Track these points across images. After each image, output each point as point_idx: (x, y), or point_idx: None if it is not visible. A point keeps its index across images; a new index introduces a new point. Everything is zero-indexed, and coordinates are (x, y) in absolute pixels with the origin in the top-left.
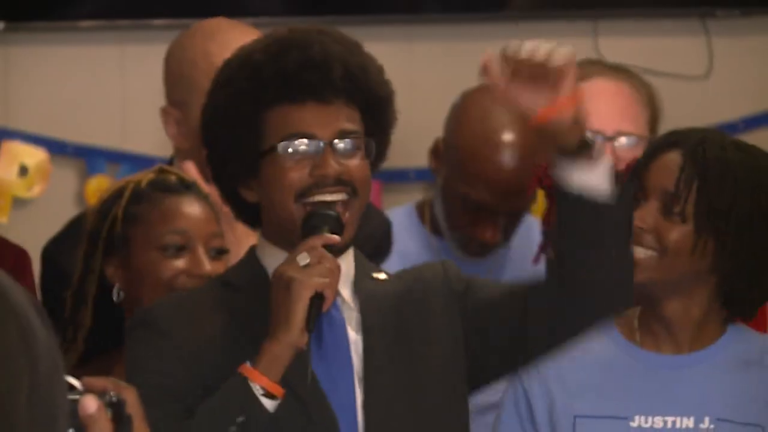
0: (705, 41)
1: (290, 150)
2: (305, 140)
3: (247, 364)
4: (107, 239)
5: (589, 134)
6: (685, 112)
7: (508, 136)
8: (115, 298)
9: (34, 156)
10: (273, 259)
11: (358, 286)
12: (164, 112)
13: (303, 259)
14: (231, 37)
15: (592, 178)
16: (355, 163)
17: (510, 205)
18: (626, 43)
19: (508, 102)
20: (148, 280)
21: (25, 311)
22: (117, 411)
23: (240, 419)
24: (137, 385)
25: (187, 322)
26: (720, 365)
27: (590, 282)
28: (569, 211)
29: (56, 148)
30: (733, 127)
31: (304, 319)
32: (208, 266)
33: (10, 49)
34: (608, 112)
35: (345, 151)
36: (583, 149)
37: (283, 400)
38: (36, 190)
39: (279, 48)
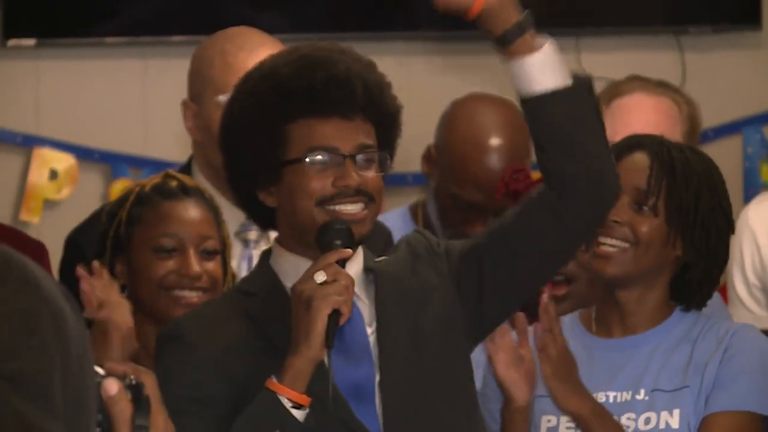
0: (679, 56)
1: (315, 161)
2: (329, 153)
3: (273, 379)
4: (114, 239)
5: (522, 16)
6: None
7: (494, 141)
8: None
9: (63, 161)
10: (286, 263)
11: (369, 277)
12: (184, 105)
13: (320, 276)
14: (248, 41)
15: (547, 72)
16: (372, 174)
17: (497, 203)
18: (606, 58)
19: (451, 2)
20: (143, 279)
21: (56, 300)
22: (136, 393)
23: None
24: (169, 396)
25: (211, 332)
26: (661, 345)
27: (579, 175)
28: (538, 112)
29: (83, 154)
30: (704, 135)
31: (324, 334)
32: (196, 267)
33: (40, 64)
34: (645, 123)
35: (364, 164)
36: (519, 30)
37: (311, 408)
38: (65, 192)
39: (305, 64)
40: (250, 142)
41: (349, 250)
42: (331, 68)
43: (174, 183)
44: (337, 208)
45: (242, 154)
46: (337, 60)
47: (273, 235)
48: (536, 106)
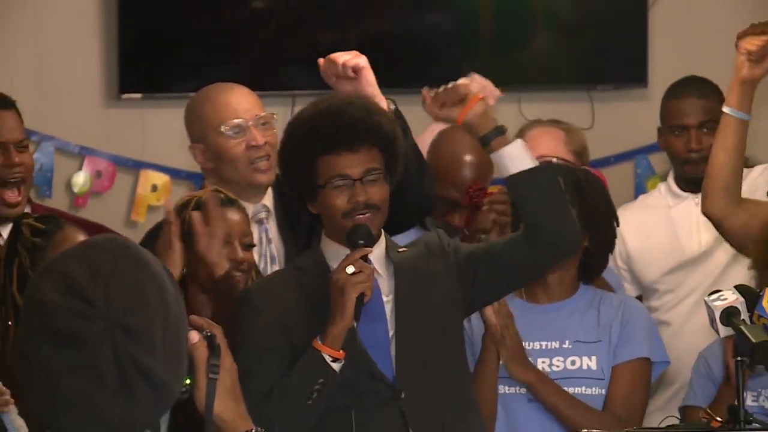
0: (590, 105)
1: (334, 185)
2: (343, 179)
3: (318, 340)
4: (181, 233)
5: (497, 122)
6: None
7: (467, 157)
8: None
9: (160, 179)
10: (330, 249)
11: (389, 258)
12: (192, 148)
13: (350, 269)
14: (222, 87)
15: (520, 159)
16: (377, 189)
17: (466, 204)
18: (540, 107)
19: (438, 116)
20: (198, 264)
21: (161, 274)
22: (210, 341)
23: (321, 380)
24: (244, 345)
25: (272, 298)
26: (575, 309)
27: (552, 236)
28: (515, 187)
29: (174, 174)
30: (607, 160)
31: (353, 311)
32: (240, 254)
33: (145, 110)
34: (543, 146)
35: (370, 183)
36: (498, 132)
37: (345, 361)
38: (162, 200)
39: (322, 115)
40: (296, 172)
41: (370, 248)
42: (340, 117)
43: (222, 195)
44: (355, 219)
45: (293, 179)
46: (344, 110)
47: (272, 214)
48: (513, 182)
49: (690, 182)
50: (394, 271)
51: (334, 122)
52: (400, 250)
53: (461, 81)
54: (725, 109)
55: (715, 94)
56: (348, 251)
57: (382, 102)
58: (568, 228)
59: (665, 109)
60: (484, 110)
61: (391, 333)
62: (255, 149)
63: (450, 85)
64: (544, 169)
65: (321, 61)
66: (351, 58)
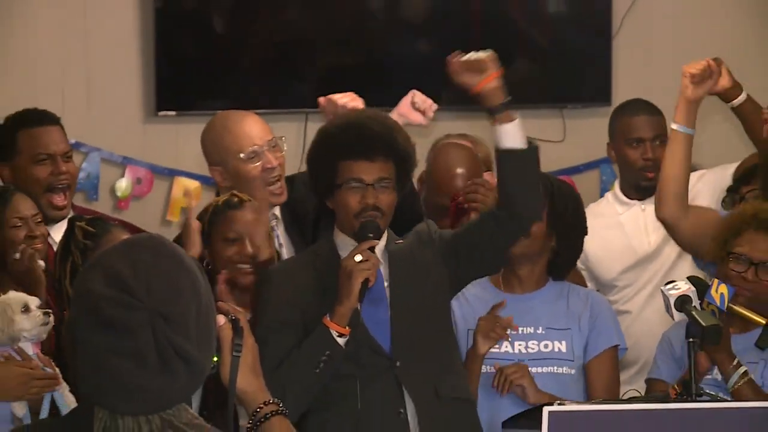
0: (561, 121)
1: (350, 187)
2: (357, 182)
3: (327, 318)
4: (202, 234)
5: (506, 99)
6: (551, 160)
7: (458, 170)
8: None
9: (192, 185)
10: (339, 239)
11: (388, 249)
12: (212, 170)
13: (357, 257)
14: (237, 115)
15: (514, 138)
16: (386, 195)
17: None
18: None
19: (463, 80)
20: (217, 258)
21: (193, 268)
22: (235, 324)
23: (327, 352)
24: (263, 318)
25: (289, 278)
26: (546, 299)
27: (521, 203)
28: (504, 158)
29: (204, 180)
30: (576, 168)
31: (358, 294)
32: (250, 250)
33: (179, 126)
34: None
35: (381, 189)
36: (506, 105)
37: (349, 337)
38: (193, 203)
39: (346, 128)
40: (320, 174)
41: (376, 240)
42: (361, 129)
43: (236, 198)
44: (364, 218)
45: (317, 180)
46: (367, 124)
47: (280, 221)
48: (503, 156)
49: (640, 190)
50: (390, 261)
51: (356, 133)
52: (397, 242)
53: (484, 54)
54: (674, 125)
55: (660, 114)
56: (355, 243)
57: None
58: (536, 198)
59: (621, 125)
60: (498, 85)
61: (389, 314)
62: (269, 170)
63: (474, 55)
64: (530, 150)
65: (321, 100)
66: (349, 101)
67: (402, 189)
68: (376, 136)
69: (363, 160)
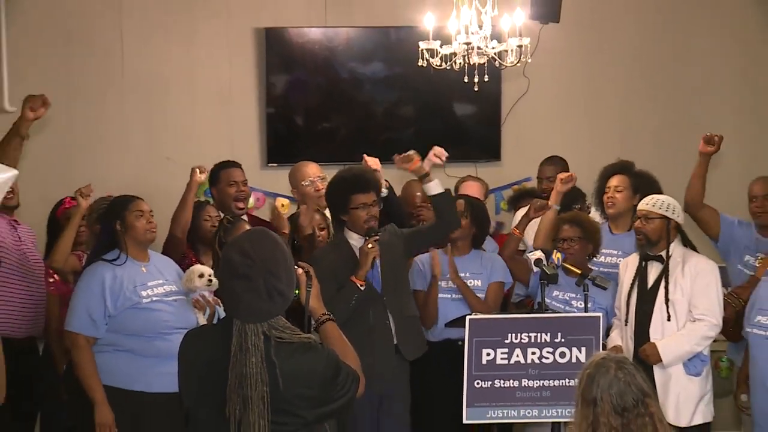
0: (474, 169)
1: (358, 207)
2: (363, 205)
3: (353, 277)
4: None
5: (426, 171)
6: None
7: (418, 194)
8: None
9: (285, 201)
10: (350, 236)
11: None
12: (292, 191)
13: (369, 245)
14: (304, 164)
15: (435, 188)
16: (376, 210)
17: (423, 218)
18: (456, 170)
19: (402, 166)
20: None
21: (281, 243)
22: (307, 273)
23: (356, 295)
24: (318, 279)
25: (326, 256)
26: (472, 258)
27: (446, 220)
28: (435, 199)
29: (291, 199)
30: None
31: (369, 265)
32: (318, 231)
33: (279, 172)
34: (469, 188)
35: (374, 207)
36: (426, 176)
37: (365, 287)
38: (286, 211)
39: (353, 173)
40: (338, 201)
41: (377, 236)
42: (363, 174)
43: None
44: (368, 226)
45: (335, 205)
46: (365, 172)
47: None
48: (432, 198)
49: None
50: (380, 246)
51: (362, 177)
52: (378, 234)
53: (411, 152)
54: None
55: (561, 164)
56: (361, 239)
57: (383, 179)
58: (453, 218)
59: (541, 169)
60: (420, 167)
61: (380, 275)
62: (318, 191)
63: (405, 153)
64: (446, 193)
65: (367, 158)
66: (374, 162)
67: (381, 203)
68: (371, 178)
69: (364, 192)
